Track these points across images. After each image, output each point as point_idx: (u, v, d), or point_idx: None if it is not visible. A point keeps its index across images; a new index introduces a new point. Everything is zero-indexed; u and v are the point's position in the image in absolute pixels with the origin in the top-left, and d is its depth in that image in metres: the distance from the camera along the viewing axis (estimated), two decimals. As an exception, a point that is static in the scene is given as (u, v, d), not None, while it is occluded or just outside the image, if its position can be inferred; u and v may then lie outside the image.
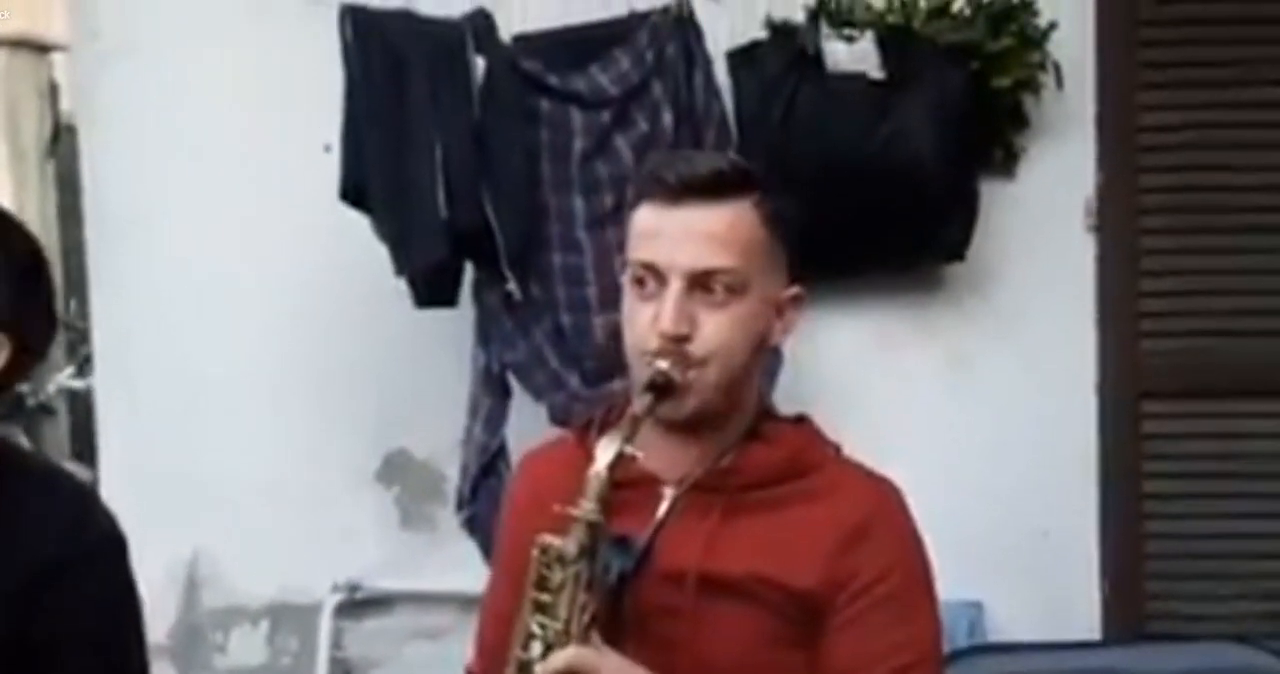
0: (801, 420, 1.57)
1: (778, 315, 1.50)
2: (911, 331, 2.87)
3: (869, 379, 2.84)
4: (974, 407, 2.85)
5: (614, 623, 1.42)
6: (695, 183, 1.44)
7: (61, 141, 5.67)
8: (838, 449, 1.55)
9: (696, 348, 1.43)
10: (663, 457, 1.48)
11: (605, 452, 1.38)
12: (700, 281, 1.43)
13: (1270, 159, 2.82)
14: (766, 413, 1.56)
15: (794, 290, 1.51)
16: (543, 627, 1.37)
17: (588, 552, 1.36)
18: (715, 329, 1.43)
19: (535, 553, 1.38)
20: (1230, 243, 2.84)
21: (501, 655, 1.42)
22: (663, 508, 1.48)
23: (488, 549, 2.62)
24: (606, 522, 1.37)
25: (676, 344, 1.42)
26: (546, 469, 1.56)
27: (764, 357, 1.52)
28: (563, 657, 1.35)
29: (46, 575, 1.48)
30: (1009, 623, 2.75)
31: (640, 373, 1.44)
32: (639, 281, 1.45)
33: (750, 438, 1.50)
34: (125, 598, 1.56)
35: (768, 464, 1.48)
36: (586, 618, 1.36)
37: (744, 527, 1.45)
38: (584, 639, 1.36)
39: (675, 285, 1.42)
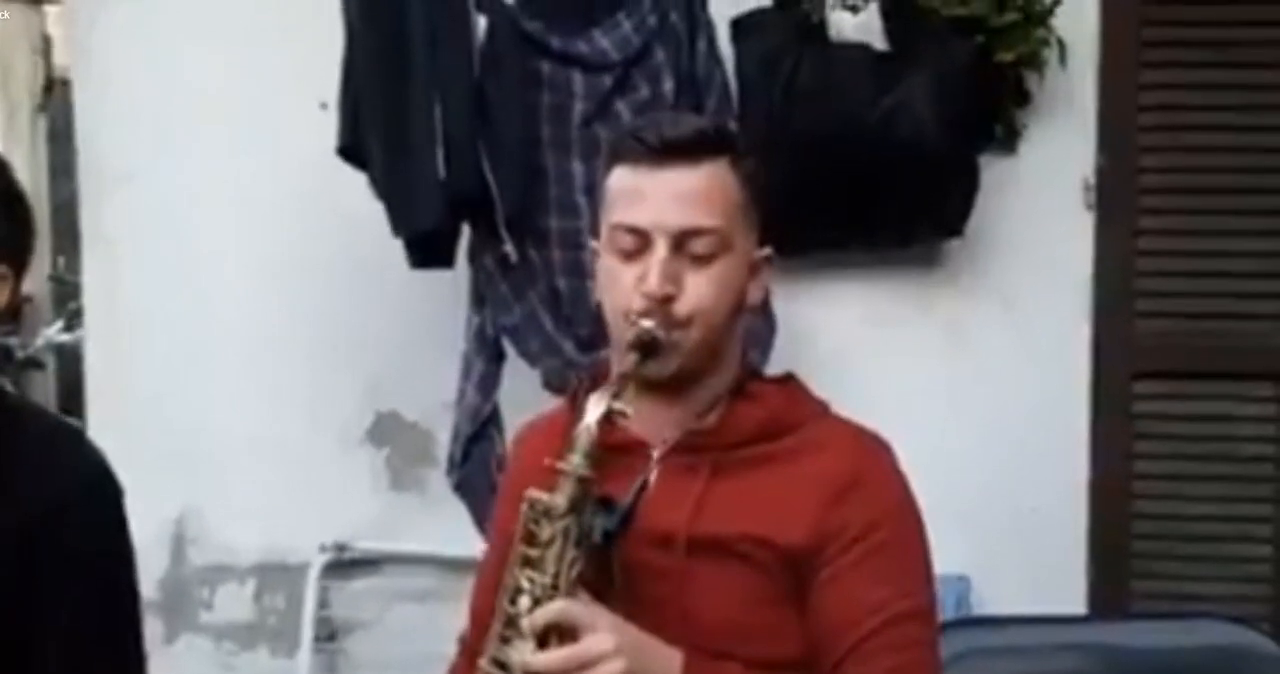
0: (787, 379, 1.58)
1: (752, 275, 1.51)
2: (908, 306, 2.87)
3: (864, 353, 2.84)
4: (968, 382, 2.85)
5: (603, 585, 1.42)
6: (676, 144, 1.45)
7: (54, 95, 5.63)
8: (825, 406, 1.55)
9: (681, 308, 1.44)
10: (649, 421, 1.49)
11: (594, 408, 1.38)
12: (684, 242, 1.44)
13: (1271, 142, 2.81)
14: (752, 373, 1.57)
15: (766, 250, 1.53)
16: (530, 581, 1.37)
17: (577, 507, 1.37)
18: (699, 289, 1.45)
19: (524, 508, 1.39)
20: (1228, 225, 2.83)
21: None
22: (649, 468, 1.48)
23: (477, 513, 2.62)
24: (596, 478, 1.38)
25: (662, 305, 1.43)
26: (541, 440, 1.56)
27: (743, 316, 1.53)
28: (551, 610, 1.35)
29: (45, 519, 1.48)
30: (996, 598, 2.76)
31: (622, 333, 1.45)
32: (620, 244, 1.46)
33: (734, 397, 1.50)
34: (120, 542, 1.56)
35: (751, 422, 1.48)
36: (574, 573, 1.37)
37: (732, 486, 1.46)
38: (571, 594, 1.36)
39: (661, 247, 1.44)
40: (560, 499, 1.36)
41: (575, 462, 1.36)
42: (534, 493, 1.39)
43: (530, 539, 1.38)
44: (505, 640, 1.39)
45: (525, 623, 1.36)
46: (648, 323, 1.43)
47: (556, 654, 1.34)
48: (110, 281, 3.04)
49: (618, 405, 1.39)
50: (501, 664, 1.39)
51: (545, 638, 1.35)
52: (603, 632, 1.34)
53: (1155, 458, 2.86)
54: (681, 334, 1.44)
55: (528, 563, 1.38)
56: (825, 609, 1.43)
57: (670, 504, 1.46)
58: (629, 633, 1.36)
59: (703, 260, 1.45)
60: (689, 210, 1.44)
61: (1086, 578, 2.85)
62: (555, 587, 1.36)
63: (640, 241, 1.45)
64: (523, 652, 1.35)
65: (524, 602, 1.37)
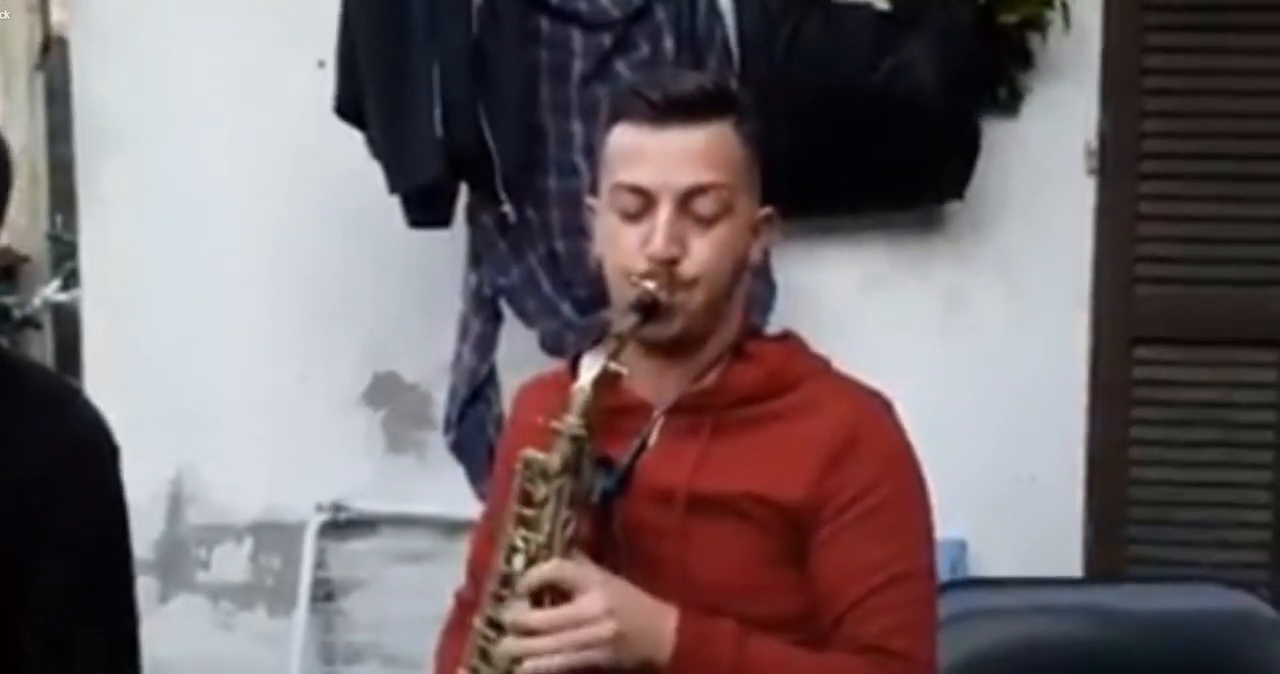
0: (786, 337, 1.57)
1: (754, 235, 1.50)
2: (907, 270, 2.86)
3: (863, 316, 2.83)
4: (967, 346, 2.84)
5: (604, 544, 1.42)
6: (680, 102, 1.43)
7: (52, 54, 5.59)
8: (825, 363, 1.54)
9: (685, 270, 1.43)
10: (651, 382, 1.49)
11: (589, 368, 1.38)
12: (689, 202, 1.43)
13: (1276, 107, 2.79)
14: (752, 332, 1.56)
15: (767, 210, 1.52)
16: (525, 540, 1.37)
17: (571, 466, 1.36)
18: (704, 251, 1.43)
19: (519, 467, 1.39)
20: (1230, 190, 2.82)
21: (488, 583, 1.43)
22: (649, 430, 1.48)
23: (474, 474, 2.62)
24: (592, 438, 1.37)
25: (666, 267, 1.42)
26: (539, 399, 1.55)
27: (745, 276, 1.52)
28: (544, 570, 1.35)
29: (38, 478, 1.48)
30: (992, 564, 2.76)
31: (624, 294, 1.44)
32: (622, 203, 1.44)
33: (734, 357, 1.50)
34: (113, 501, 1.55)
35: (750, 381, 1.48)
36: (569, 533, 1.36)
37: (733, 445, 1.45)
38: (566, 554, 1.36)
39: (666, 207, 1.42)
40: (555, 459, 1.36)
41: (570, 421, 1.36)
42: (529, 452, 1.38)
43: (525, 499, 1.38)
44: (500, 599, 1.39)
45: (519, 582, 1.36)
46: (650, 285, 1.41)
47: (549, 613, 1.34)
48: (107, 242, 3.03)
49: (613, 366, 1.38)
50: (496, 624, 1.39)
51: (539, 597, 1.35)
52: (596, 592, 1.34)
53: (1154, 424, 2.86)
54: (685, 296, 1.43)
55: (522, 522, 1.38)
56: (824, 568, 1.42)
57: (670, 463, 1.45)
58: (622, 592, 1.36)
59: (707, 221, 1.43)
60: (693, 168, 1.42)
61: (1083, 544, 2.86)
62: (549, 546, 1.36)
63: (643, 201, 1.43)
64: (516, 610, 1.36)
65: (518, 561, 1.37)
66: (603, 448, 1.42)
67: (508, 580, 1.38)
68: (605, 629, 1.32)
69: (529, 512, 1.37)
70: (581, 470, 1.38)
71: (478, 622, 1.41)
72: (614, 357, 1.38)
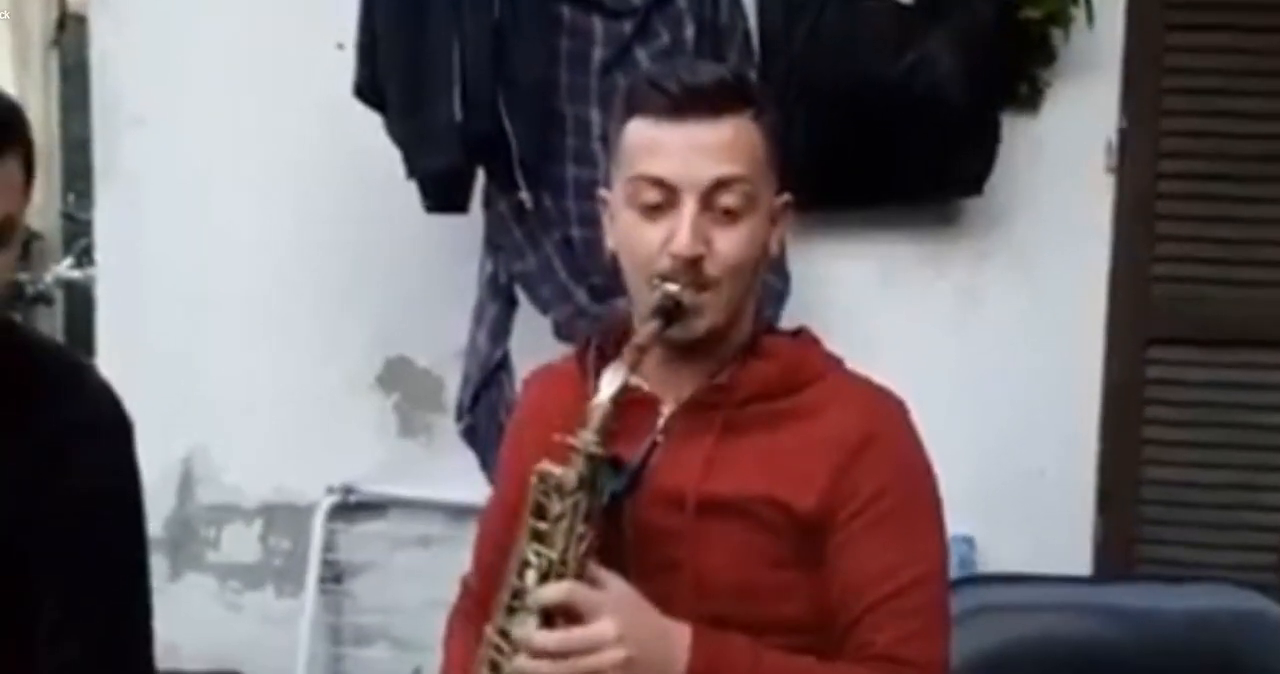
0: (799, 333, 1.55)
1: (772, 225, 1.48)
2: (924, 265, 2.85)
3: (878, 311, 2.83)
4: (981, 343, 2.83)
5: (613, 545, 1.39)
6: (699, 94, 1.40)
7: (68, 32, 5.59)
8: (838, 361, 1.52)
9: (711, 268, 1.40)
10: (663, 377, 1.46)
11: (610, 384, 1.34)
12: (713, 196, 1.40)
13: (1295, 109, 2.78)
14: (765, 328, 1.54)
15: (785, 197, 1.49)
16: (538, 555, 1.34)
17: (587, 483, 1.33)
18: (728, 247, 1.40)
19: (534, 481, 1.35)
20: (1249, 191, 2.81)
21: (495, 575, 1.41)
22: (659, 428, 1.45)
23: (484, 460, 2.62)
24: (607, 451, 1.34)
25: (690, 265, 1.39)
26: (549, 388, 1.54)
27: (764, 270, 1.50)
28: (556, 592, 1.32)
29: (53, 452, 1.48)
30: (1000, 560, 2.76)
31: (646, 295, 1.41)
32: (644, 197, 1.41)
33: (747, 353, 1.47)
34: (127, 476, 1.55)
35: (763, 378, 1.45)
36: (583, 548, 1.33)
37: (743, 445, 1.43)
38: (580, 569, 1.33)
39: (689, 203, 1.39)
40: (571, 476, 1.33)
41: (587, 438, 1.32)
42: (545, 466, 1.35)
43: (540, 513, 1.35)
44: (511, 612, 1.36)
45: (530, 598, 1.33)
46: (672, 287, 1.38)
47: (558, 636, 1.31)
48: (122, 221, 3.03)
49: (635, 381, 1.36)
50: (507, 635, 1.36)
51: (550, 615, 1.33)
52: (607, 618, 1.31)
53: (1167, 424, 2.85)
54: (709, 295, 1.40)
55: (536, 537, 1.35)
56: (838, 574, 1.41)
57: (680, 464, 1.42)
58: (634, 616, 1.33)
59: (731, 216, 1.40)
60: (716, 162, 1.39)
61: (1092, 542, 2.85)
62: (564, 562, 1.33)
63: (665, 195, 1.40)
64: (526, 626, 1.33)
65: (531, 575, 1.34)
66: (612, 446, 1.38)
67: (519, 595, 1.35)
68: (616, 655, 1.30)
69: (543, 526, 1.34)
70: (598, 486, 1.35)
71: (489, 631, 1.38)
72: (634, 369, 1.35)
